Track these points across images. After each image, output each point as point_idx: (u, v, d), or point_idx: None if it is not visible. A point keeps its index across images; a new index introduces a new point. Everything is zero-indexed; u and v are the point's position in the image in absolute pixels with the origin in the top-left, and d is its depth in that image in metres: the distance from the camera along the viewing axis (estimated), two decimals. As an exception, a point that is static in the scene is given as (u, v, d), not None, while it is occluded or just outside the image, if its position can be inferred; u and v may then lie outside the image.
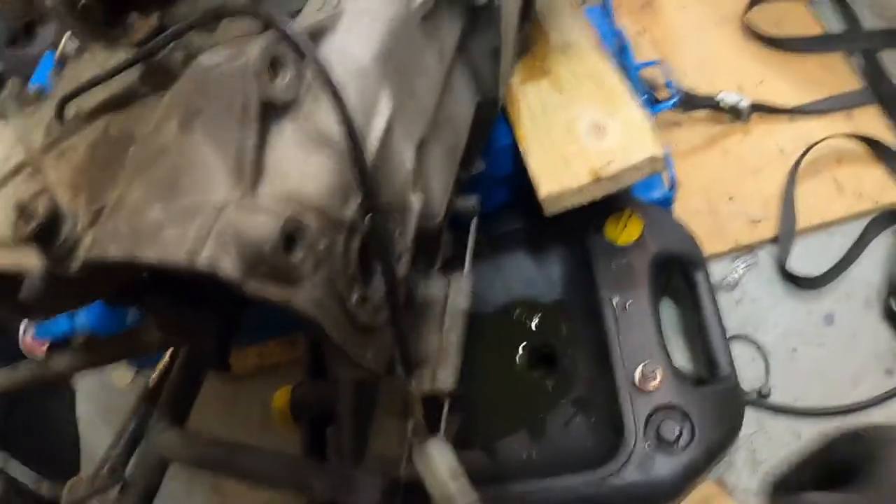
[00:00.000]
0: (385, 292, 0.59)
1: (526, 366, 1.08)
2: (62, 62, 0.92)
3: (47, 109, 0.79)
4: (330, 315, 0.55)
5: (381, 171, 0.63)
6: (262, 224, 0.50)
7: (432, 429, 0.77)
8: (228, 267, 0.50)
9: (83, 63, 0.82)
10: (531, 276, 1.12)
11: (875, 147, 1.30)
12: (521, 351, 1.08)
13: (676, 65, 1.29)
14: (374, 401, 0.94)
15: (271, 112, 0.57)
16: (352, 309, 0.57)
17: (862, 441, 0.67)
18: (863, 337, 1.17)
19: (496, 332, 1.10)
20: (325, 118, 0.58)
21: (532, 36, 1.12)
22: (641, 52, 1.41)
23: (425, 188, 0.72)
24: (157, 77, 0.71)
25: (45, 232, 0.59)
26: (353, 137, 0.56)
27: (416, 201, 0.67)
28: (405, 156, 0.66)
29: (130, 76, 0.73)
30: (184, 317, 0.78)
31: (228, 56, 0.59)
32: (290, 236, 0.52)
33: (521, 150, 1.03)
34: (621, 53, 1.23)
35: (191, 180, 0.55)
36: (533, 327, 1.09)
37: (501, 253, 1.13)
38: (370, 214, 0.57)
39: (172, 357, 0.93)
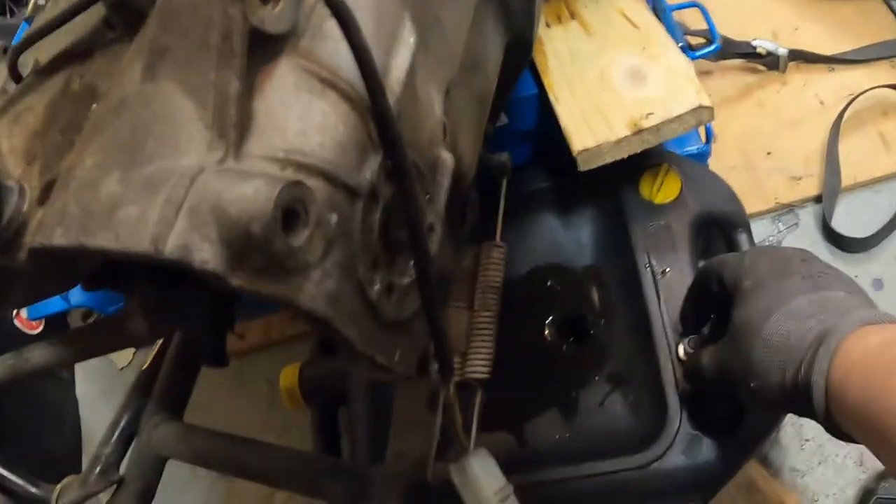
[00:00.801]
0: (416, 276, 0.44)
1: (556, 338, 0.92)
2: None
3: (2, 68, 0.63)
4: (347, 312, 0.39)
5: (406, 120, 0.46)
6: (252, 195, 0.34)
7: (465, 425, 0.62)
8: (206, 257, 0.34)
9: (48, 11, 0.66)
10: (560, 240, 0.96)
11: (923, 98, 1.14)
12: (549, 321, 0.93)
13: (708, 8, 1.12)
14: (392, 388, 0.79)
15: (261, 46, 0.41)
16: (376, 301, 0.41)
17: (725, 272, 0.69)
18: (915, 302, 1.02)
19: (522, 301, 0.93)
20: (333, 53, 0.41)
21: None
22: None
23: (455, 142, 0.56)
24: (124, 18, 0.55)
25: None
26: (373, 76, 0.40)
27: (448, 157, 0.51)
28: (434, 102, 0.50)
29: (94, 19, 0.56)
30: (174, 302, 0.62)
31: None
32: (289, 210, 0.36)
33: (550, 99, 0.87)
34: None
35: (156, 140, 0.39)
36: (563, 295, 0.94)
37: (526, 215, 0.97)
38: (395, 177, 0.42)
39: (164, 344, 0.77)
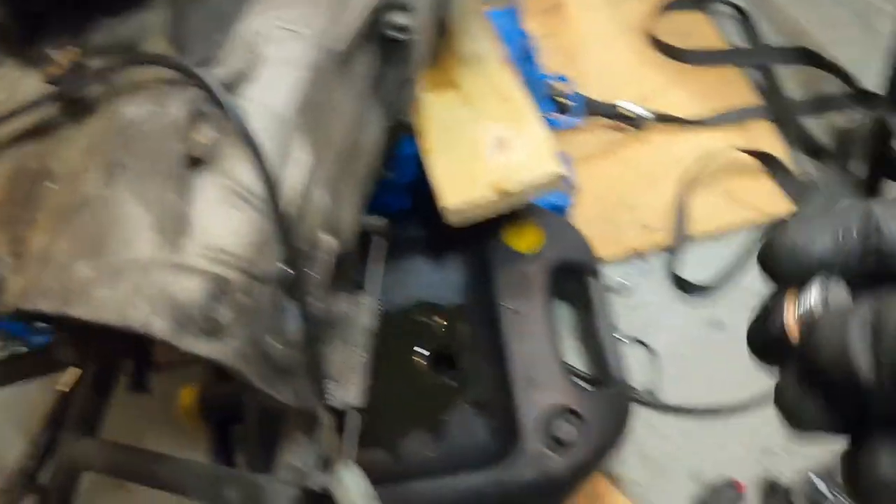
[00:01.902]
0: (303, 338, 0.66)
1: (427, 368, 1.16)
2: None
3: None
4: (253, 365, 0.61)
5: (300, 218, 0.69)
6: (190, 287, 0.57)
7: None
8: (161, 328, 0.56)
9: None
10: (433, 280, 1.20)
11: (766, 160, 1.42)
12: (421, 353, 1.17)
13: (581, 69, 1.37)
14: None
15: (194, 168, 0.63)
16: (273, 355, 0.64)
17: None
18: (750, 343, 1.27)
19: (397, 334, 1.17)
20: (245, 173, 0.64)
21: (440, 45, 1.19)
22: (547, 55, 1.48)
23: (336, 221, 0.79)
24: (75, 109, 0.75)
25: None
26: (273, 193, 0.63)
27: (331, 241, 0.73)
28: (323, 200, 0.73)
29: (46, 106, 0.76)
30: (99, 339, 0.82)
31: (152, 112, 0.64)
32: (215, 294, 0.58)
33: (425, 162, 1.10)
34: (526, 60, 1.31)
35: (117, 237, 0.60)
36: (435, 331, 1.18)
37: (404, 257, 1.20)
38: (288, 264, 0.64)
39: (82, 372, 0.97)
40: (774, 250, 0.43)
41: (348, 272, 0.88)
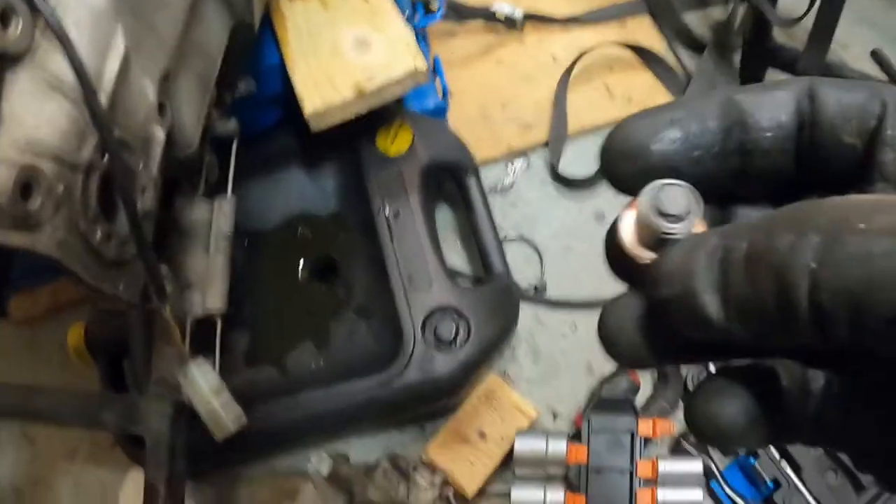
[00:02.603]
0: (129, 228, 0.66)
1: (309, 279, 1.17)
2: None
3: None
4: (74, 255, 0.61)
5: (120, 108, 0.68)
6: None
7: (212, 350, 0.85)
8: (-31, 218, 0.55)
9: None
10: (308, 191, 1.20)
11: (645, 55, 1.43)
12: (302, 264, 1.17)
13: (452, -29, 1.36)
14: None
15: (5, 63, 0.61)
16: (97, 246, 0.63)
17: None
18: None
19: (278, 248, 1.17)
20: (59, 64, 0.62)
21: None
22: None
23: (176, 118, 0.78)
24: None
25: None
26: (85, 81, 0.61)
27: (159, 133, 0.72)
28: (146, 90, 0.72)
29: None
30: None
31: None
32: (26, 184, 0.57)
33: (287, 68, 1.09)
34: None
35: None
36: (313, 241, 1.18)
37: (277, 170, 1.20)
38: (108, 153, 0.63)
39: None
40: (610, 148, 0.34)
41: (204, 175, 0.87)
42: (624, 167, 0.34)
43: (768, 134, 0.33)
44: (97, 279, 0.63)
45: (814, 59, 1.20)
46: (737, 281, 0.28)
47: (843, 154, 0.32)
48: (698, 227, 0.31)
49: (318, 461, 1.17)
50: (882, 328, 0.25)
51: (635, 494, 1.05)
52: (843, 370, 0.33)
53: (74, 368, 1.21)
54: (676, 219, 0.31)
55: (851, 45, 1.41)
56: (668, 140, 0.33)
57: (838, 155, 0.32)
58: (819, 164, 0.33)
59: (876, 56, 1.21)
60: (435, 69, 1.27)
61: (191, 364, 0.78)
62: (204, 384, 0.77)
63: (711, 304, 0.29)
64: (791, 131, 0.33)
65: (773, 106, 0.33)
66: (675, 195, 0.31)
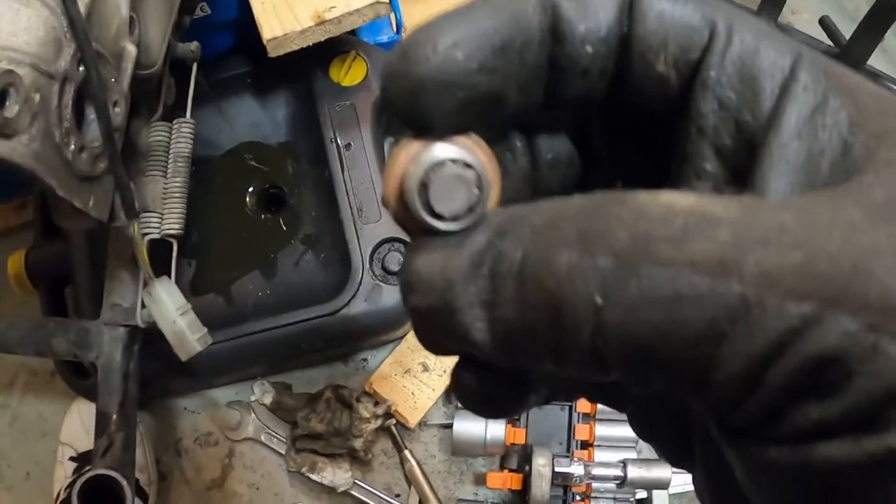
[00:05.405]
0: (102, 140, 0.66)
1: (256, 208, 1.17)
2: None
3: None
4: (49, 166, 0.60)
5: (95, 20, 0.67)
6: (-26, 81, 0.55)
7: (167, 274, 0.85)
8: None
9: None
10: (257, 119, 1.19)
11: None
12: (250, 193, 1.17)
13: None
14: (107, 253, 0.99)
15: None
16: (71, 158, 0.63)
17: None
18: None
19: (225, 176, 1.17)
20: (36, -30, 0.62)
21: None
22: None
23: (142, 35, 0.77)
24: None
25: None
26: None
27: (131, 48, 0.72)
28: (119, 2, 0.71)
29: None
30: None
31: None
32: (3, 90, 0.57)
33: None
34: None
35: None
36: (261, 170, 1.18)
37: (227, 97, 1.18)
38: (83, 64, 0.63)
39: None
40: (386, 68, 0.24)
41: (163, 96, 0.87)
42: (400, 97, 0.24)
43: (588, 48, 0.24)
44: (70, 193, 0.63)
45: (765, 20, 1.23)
46: (505, 300, 0.22)
47: (654, 89, 0.25)
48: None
49: (261, 392, 1.18)
50: (681, 388, 0.20)
51: (574, 428, 1.09)
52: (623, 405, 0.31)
53: (14, 297, 1.20)
54: (450, 220, 0.23)
55: (802, 11, 1.44)
56: (464, 56, 0.23)
57: (649, 89, 0.25)
58: (630, 98, 0.26)
59: (823, 24, 1.25)
60: (391, 2, 1.27)
61: (156, 282, 0.79)
62: (170, 303, 0.78)
63: (476, 326, 0.23)
64: (612, 49, 0.25)
65: (595, 13, 0.24)
66: (451, 185, 0.23)
